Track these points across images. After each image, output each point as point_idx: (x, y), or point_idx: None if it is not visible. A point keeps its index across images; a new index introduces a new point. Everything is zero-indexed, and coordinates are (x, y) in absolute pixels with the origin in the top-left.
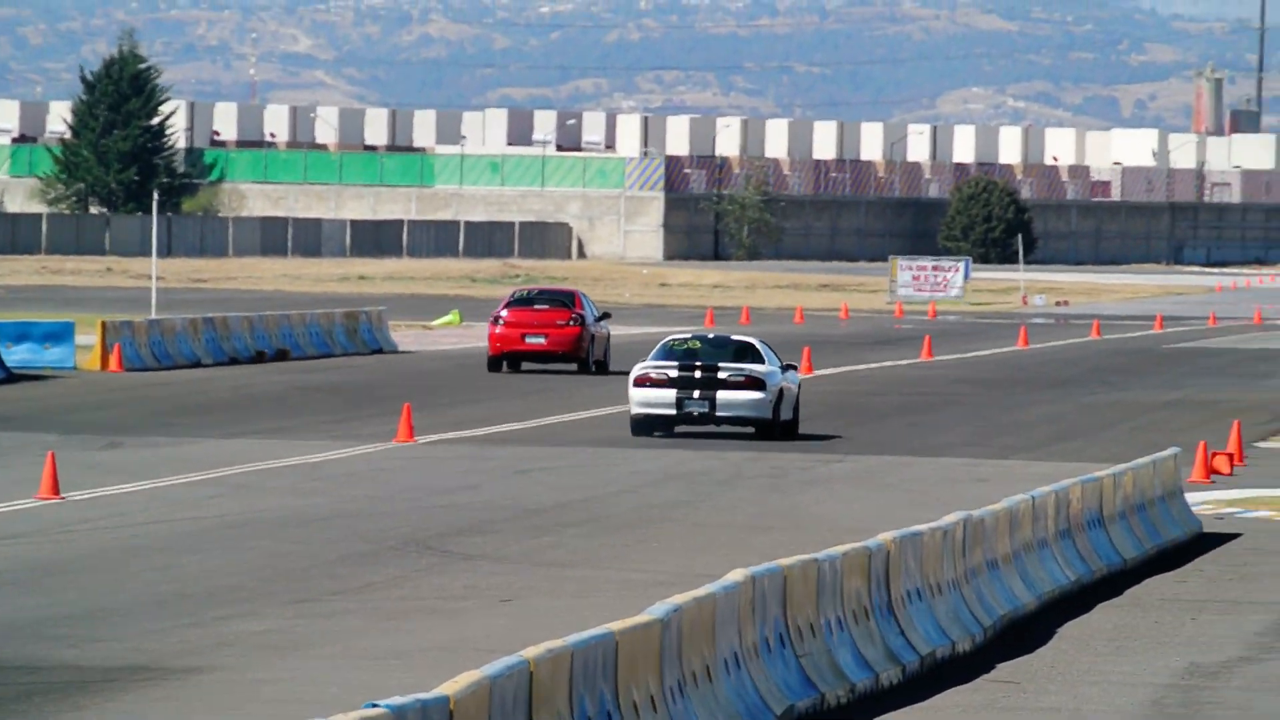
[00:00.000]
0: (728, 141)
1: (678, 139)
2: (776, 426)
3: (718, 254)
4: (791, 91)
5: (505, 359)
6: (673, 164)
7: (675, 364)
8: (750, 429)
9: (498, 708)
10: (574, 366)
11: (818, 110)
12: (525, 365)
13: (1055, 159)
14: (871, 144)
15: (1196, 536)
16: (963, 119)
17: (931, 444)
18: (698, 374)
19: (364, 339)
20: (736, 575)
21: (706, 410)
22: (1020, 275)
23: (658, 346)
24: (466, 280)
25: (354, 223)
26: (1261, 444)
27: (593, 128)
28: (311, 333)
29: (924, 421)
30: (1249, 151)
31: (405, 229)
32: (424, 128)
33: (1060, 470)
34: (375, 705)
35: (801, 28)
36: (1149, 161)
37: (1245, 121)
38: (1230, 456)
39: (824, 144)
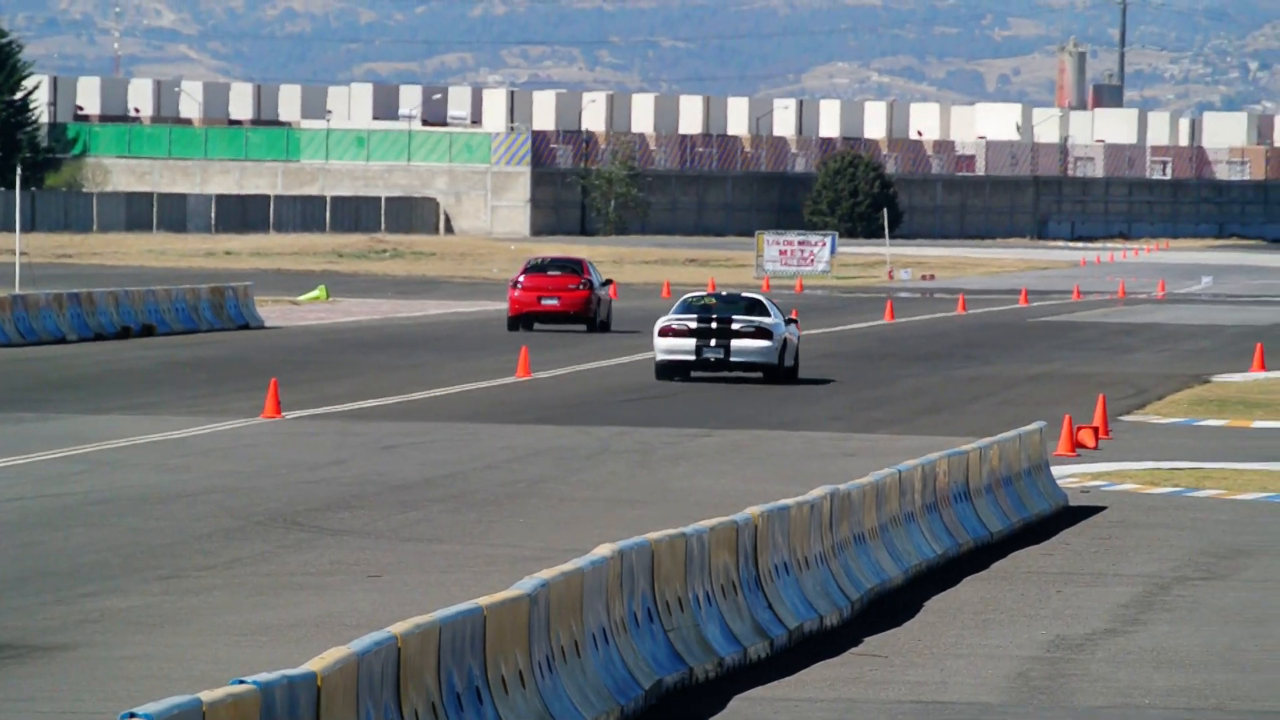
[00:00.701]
0: (594, 116)
1: (544, 114)
2: (782, 371)
3: (585, 229)
4: (658, 66)
5: (523, 319)
6: (539, 139)
7: (694, 317)
8: (759, 374)
9: (365, 683)
10: (583, 327)
11: (684, 85)
12: (538, 326)
13: (920, 134)
14: (738, 119)
15: (1062, 510)
16: (828, 94)
17: (799, 417)
18: (714, 325)
19: (230, 315)
20: (604, 550)
21: (722, 356)
22: (886, 250)
23: (678, 302)
24: (333, 255)
25: (219, 198)
26: (1126, 417)
27: (459, 103)
28: (178, 308)
29: (791, 395)
30: (1112, 126)
31: (271, 204)
32: (289, 103)
33: (927, 444)
34: (242, 681)
35: (667, 3)
36: (1013, 136)
37: (1108, 96)
38: (1095, 430)
39: (690, 119)
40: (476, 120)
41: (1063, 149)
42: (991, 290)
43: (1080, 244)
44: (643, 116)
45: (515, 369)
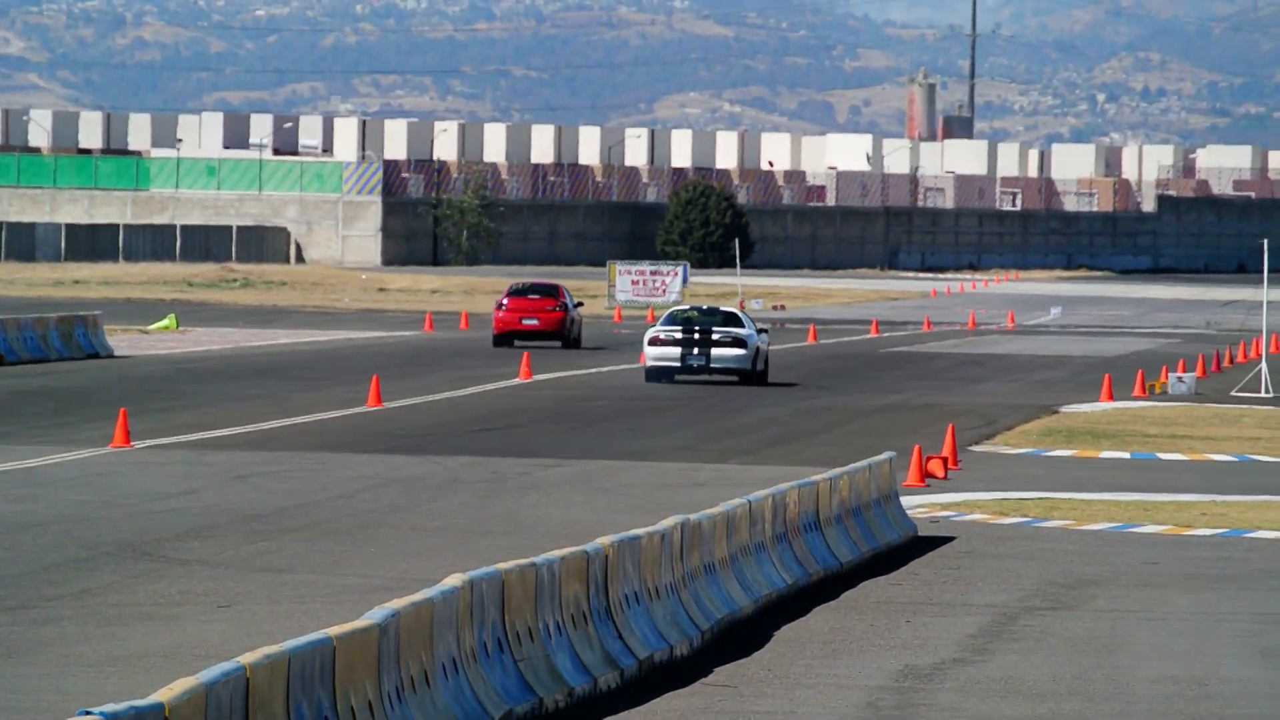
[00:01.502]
0: (446, 146)
1: (395, 143)
2: (754, 375)
3: (436, 259)
4: (509, 95)
5: (506, 337)
6: (391, 168)
7: (679, 328)
8: (735, 377)
9: (214, 714)
10: (558, 344)
11: (535, 114)
12: (518, 343)
13: (771, 164)
14: (589, 148)
15: (911, 539)
16: (680, 124)
17: (650, 448)
18: (697, 335)
19: (80, 344)
20: (454, 580)
21: (704, 363)
22: (738, 280)
23: (664, 315)
24: (183, 285)
25: (69, 226)
26: (975, 448)
27: (310, 131)
28: (26, 338)
29: (642, 426)
30: (961, 157)
31: (121, 233)
32: (139, 131)
33: (778, 474)
34: (89, 713)
35: (519, 32)
36: (864, 167)
37: (958, 127)
38: (944, 460)
39: (542, 148)
40: (328, 149)
41: (913, 180)
42: (843, 320)
43: (930, 275)
44: (495, 146)
45: (366, 398)
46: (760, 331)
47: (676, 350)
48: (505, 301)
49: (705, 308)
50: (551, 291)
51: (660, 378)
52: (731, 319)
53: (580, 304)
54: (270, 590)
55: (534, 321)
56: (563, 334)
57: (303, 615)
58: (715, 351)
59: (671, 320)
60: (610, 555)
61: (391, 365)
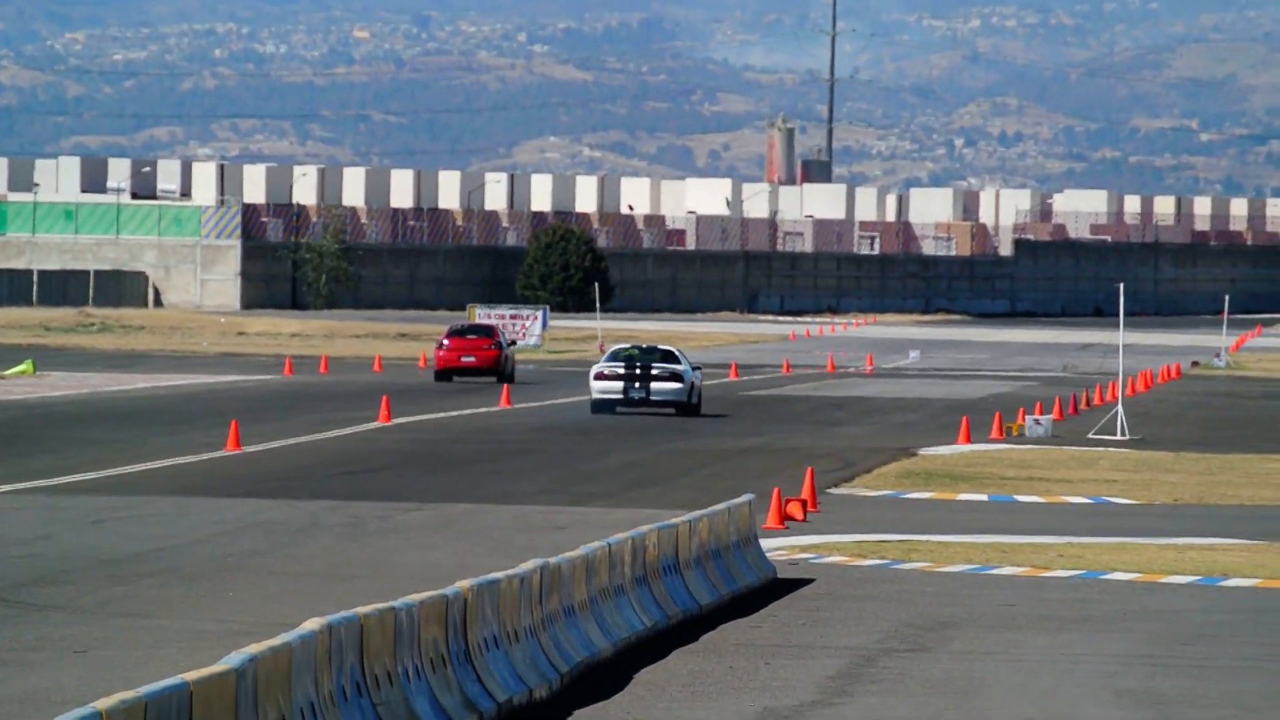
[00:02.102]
0: (305, 190)
1: (255, 187)
2: (689, 407)
3: (296, 302)
4: (369, 140)
5: (447, 373)
6: (250, 212)
7: (621, 364)
8: (672, 410)
9: None
10: (494, 379)
11: (395, 158)
12: (457, 379)
13: (631, 208)
14: (449, 192)
15: (771, 582)
16: (540, 168)
17: (510, 491)
18: (637, 371)
19: None
20: (312, 624)
21: (644, 396)
22: (598, 323)
23: (608, 352)
24: (40, 329)
25: None
26: (834, 490)
27: (169, 176)
28: None
29: (503, 469)
30: (820, 201)
31: None
32: None
33: (638, 517)
34: None
35: (378, 76)
36: (723, 211)
37: (816, 171)
38: (804, 503)
39: (402, 192)
40: (186, 193)
41: (772, 224)
42: (702, 364)
43: (790, 318)
44: (354, 190)
45: (225, 442)
46: (695, 369)
47: (619, 384)
48: (446, 341)
49: (645, 346)
50: (488, 332)
51: (604, 409)
52: (669, 356)
53: (513, 342)
54: (127, 635)
55: (471, 359)
56: (498, 370)
57: (160, 661)
58: (654, 385)
59: (614, 357)
60: (469, 598)
61: (250, 409)
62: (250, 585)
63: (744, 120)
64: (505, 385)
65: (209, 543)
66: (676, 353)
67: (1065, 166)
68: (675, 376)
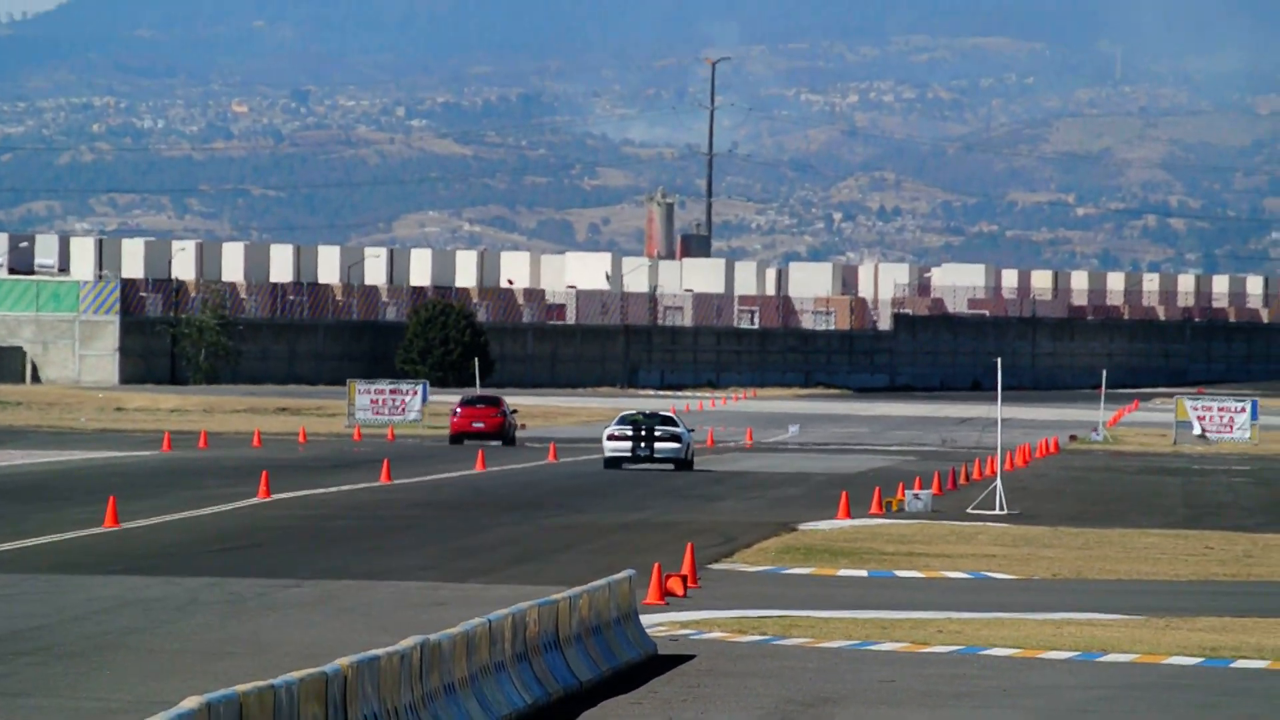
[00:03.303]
0: (184, 265)
1: (133, 262)
2: (686, 464)
3: (175, 377)
4: (247, 214)
5: (460, 437)
6: (128, 287)
7: (630, 428)
8: (671, 465)
9: None
10: (499, 442)
11: (274, 233)
12: (468, 442)
13: (511, 282)
14: (329, 267)
15: (651, 658)
16: (419, 242)
17: (391, 568)
18: (643, 433)
19: None
20: (191, 702)
21: (649, 453)
22: None
23: (617, 418)
24: None
25: None
26: (715, 565)
27: (46, 250)
28: None
29: (383, 545)
30: (700, 275)
31: None
32: None
33: (518, 593)
34: None
35: (257, 151)
36: (603, 285)
37: (696, 245)
38: (684, 578)
39: (281, 267)
40: (64, 268)
41: (652, 298)
42: (582, 439)
43: (670, 392)
44: (233, 265)
45: (103, 519)
46: (689, 431)
47: (628, 444)
48: (459, 410)
49: (648, 412)
50: (494, 402)
51: (615, 465)
52: (669, 421)
53: (515, 411)
54: (5, 715)
55: (481, 425)
56: (502, 434)
57: None
58: (658, 445)
59: (623, 421)
60: (349, 676)
61: (129, 485)
62: (129, 663)
63: (624, 194)
64: (386, 460)
65: (87, 620)
66: (675, 417)
67: (943, 240)
68: (675, 438)
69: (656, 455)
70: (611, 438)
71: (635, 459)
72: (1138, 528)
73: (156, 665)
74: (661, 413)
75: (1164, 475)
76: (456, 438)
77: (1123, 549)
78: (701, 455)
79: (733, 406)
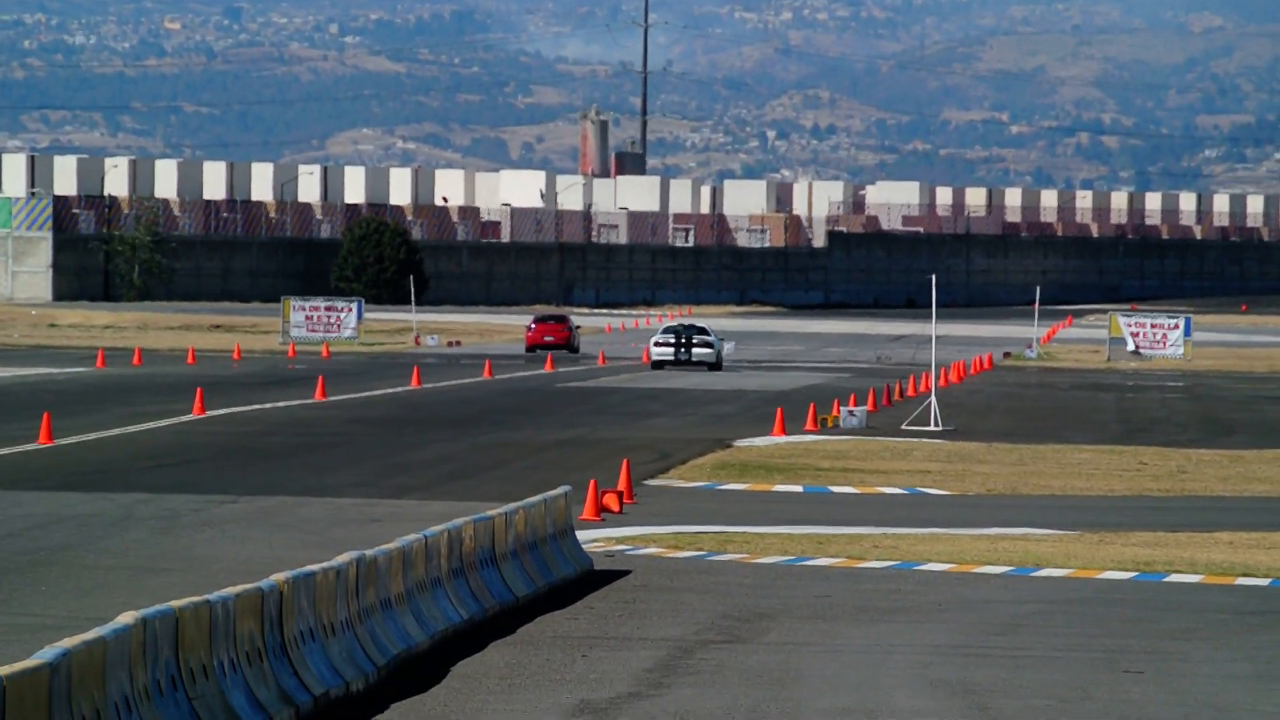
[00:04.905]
0: (117, 182)
1: (66, 179)
2: (717, 365)
3: (109, 294)
4: (180, 132)
5: (535, 348)
6: (61, 204)
7: (672, 335)
8: (706, 366)
9: None
10: (567, 351)
11: (208, 150)
12: (540, 351)
13: (445, 200)
14: (262, 185)
15: (587, 574)
16: (353, 160)
17: (326, 484)
18: (683, 340)
19: None
20: (126, 618)
21: (687, 357)
22: (413, 316)
23: (661, 328)
24: None
25: None
26: (650, 482)
27: None
28: None
29: (318, 462)
30: (634, 193)
31: None
32: None
33: (454, 509)
34: None
35: (190, 68)
36: (538, 203)
37: (630, 163)
38: (620, 494)
39: (214, 184)
40: None
41: (587, 216)
42: (518, 356)
43: (605, 310)
44: (166, 182)
45: (37, 435)
46: (720, 339)
47: (671, 349)
48: (533, 325)
49: (686, 323)
50: (562, 319)
51: (660, 365)
52: (703, 331)
53: (578, 326)
54: None
55: (551, 338)
56: (570, 346)
57: None
58: (695, 350)
59: (667, 331)
60: (285, 592)
61: (63, 402)
62: (63, 579)
63: (558, 112)
64: (320, 377)
65: (20, 536)
66: (708, 328)
67: (877, 159)
68: (707, 344)
69: (694, 359)
70: (657, 344)
71: (677, 361)
72: (1072, 444)
73: (91, 581)
74: (697, 324)
75: (1098, 391)
76: (531, 349)
77: (1057, 465)
78: (636, 372)
79: (668, 324)
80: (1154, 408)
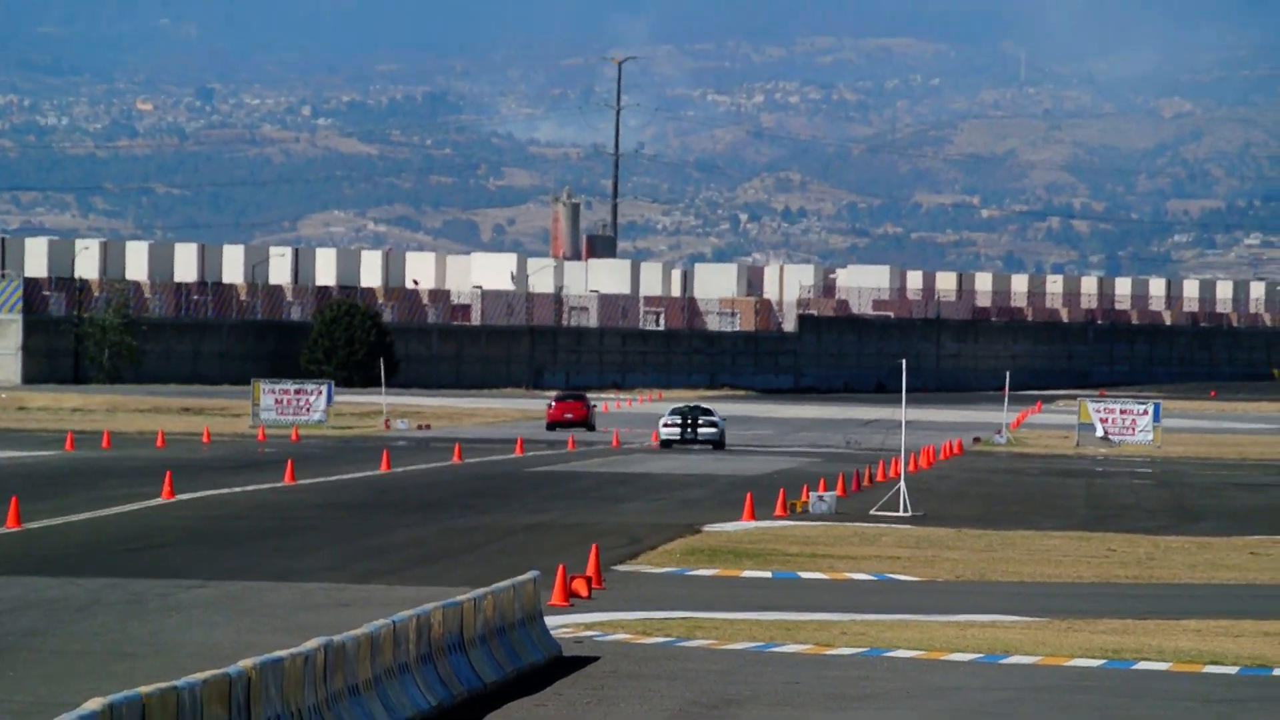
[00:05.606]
0: (88, 263)
1: (36, 261)
2: (720, 445)
3: (79, 377)
4: (152, 213)
5: (556, 425)
6: (31, 286)
7: (679, 417)
8: (710, 446)
9: None
10: (584, 429)
11: (179, 232)
12: (559, 429)
13: (416, 282)
14: (233, 266)
15: (556, 660)
16: (325, 242)
17: (295, 568)
18: (689, 421)
19: None
20: (93, 704)
21: (693, 436)
22: (383, 399)
23: (669, 410)
24: None
25: None
26: (619, 567)
27: None
28: None
29: (287, 546)
30: (605, 276)
31: None
32: None
33: (423, 594)
34: None
35: (161, 149)
36: (509, 285)
37: (601, 246)
38: (589, 580)
39: (185, 266)
40: None
41: (558, 299)
42: (488, 439)
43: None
44: (137, 264)
45: (5, 519)
46: (723, 419)
47: (678, 429)
48: (553, 404)
49: (692, 405)
50: (580, 397)
51: (668, 445)
52: (708, 412)
53: (595, 405)
54: None
55: (570, 415)
56: (588, 423)
57: None
58: (700, 430)
59: (674, 413)
60: (253, 677)
61: (31, 485)
62: (30, 664)
63: (529, 195)
64: (290, 461)
65: None
66: (712, 410)
67: (848, 242)
68: (712, 424)
69: (700, 438)
70: (665, 425)
71: (683, 440)
72: (1040, 530)
73: (58, 666)
74: (702, 405)
75: (1067, 477)
76: (552, 425)
77: (1026, 551)
78: (606, 456)
79: (639, 408)
80: (1123, 494)
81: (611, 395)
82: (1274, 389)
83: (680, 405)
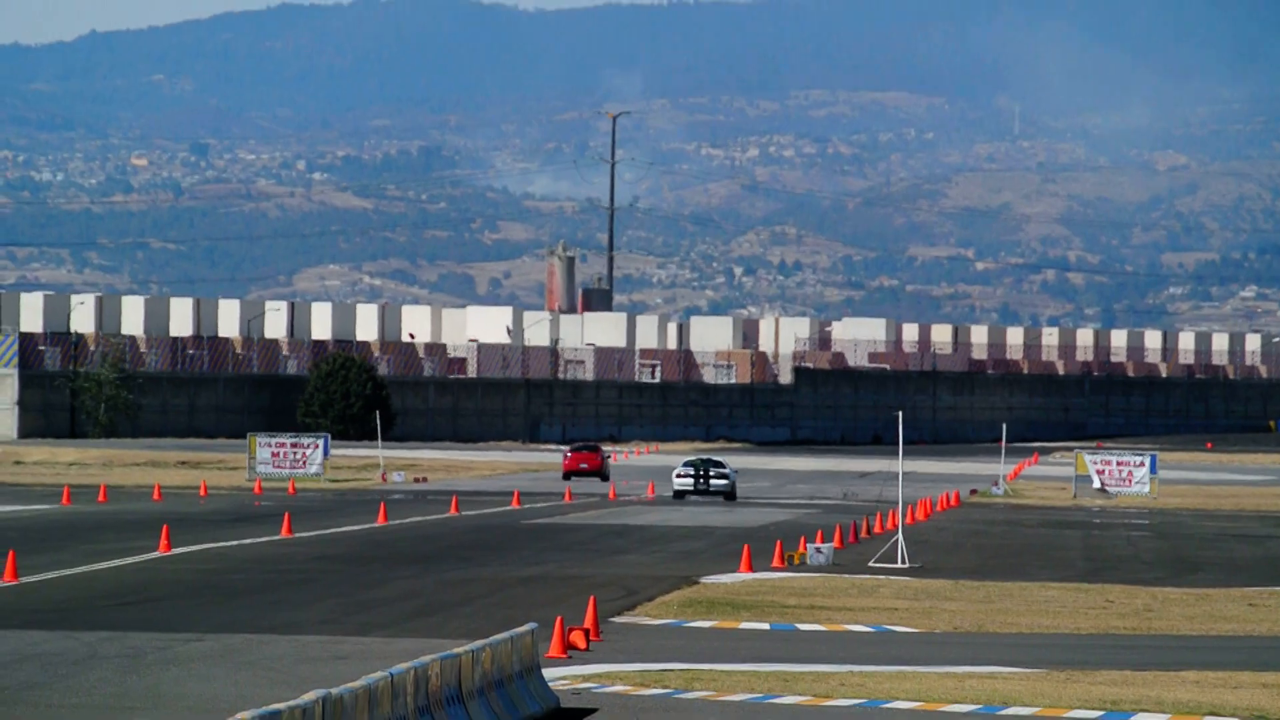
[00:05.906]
0: (83, 318)
1: (32, 316)
2: (732, 495)
3: (75, 431)
4: (147, 268)
5: (571, 474)
6: (27, 341)
7: (692, 469)
8: (721, 497)
9: None
10: (598, 479)
11: (174, 287)
12: (575, 478)
13: (412, 336)
14: (229, 320)
15: (554, 712)
16: (320, 296)
17: (292, 621)
18: (701, 472)
19: None
20: None
21: (706, 487)
22: (379, 452)
23: (682, 462)
24: None
25: None
26: (617, 619)
27: None
28: None
29: (284, 599)
30: (601, 329)
31: None
32: None
33: (420, 647)
34: None
35: (156, 204)
36: (504, 339)
37: (597, 299)
38: (586, 632)
39: (181, 321)
40: None
41: (553, 352)
42: (484, 492)
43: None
44: (133, 318)
45: (2, 573)
46: (734, 472)
47: (691, 480)
48: (569, 454)
49: (704, 458)
50: (594, 448)
51: (681, 497)
52: (720, 465)
53: (610, 455)
54: None
55: (585, 465)
56: (602, 473)
57: None
58: (712, 481)
59: (687, 465)
60: None
61: (28, 539)
62: (29, 718)
63: (525, 248)
64: (287, 514)
65: None
66: (723, 461)
67: (844, 295)
68: (724, 476)
69: (712, 489)
70: (679, 476)
71: (696, 491)
72: (1038, 581)
73: None
74: (714, 458)
75: (1064, 529)
76: (567, 475)
77: (1023, 602)
78: (603, 509)
79: (635, 460)
80: (1120, 545)
81: (608, 448)
82: (1270, 441)
83: (693, 458)
